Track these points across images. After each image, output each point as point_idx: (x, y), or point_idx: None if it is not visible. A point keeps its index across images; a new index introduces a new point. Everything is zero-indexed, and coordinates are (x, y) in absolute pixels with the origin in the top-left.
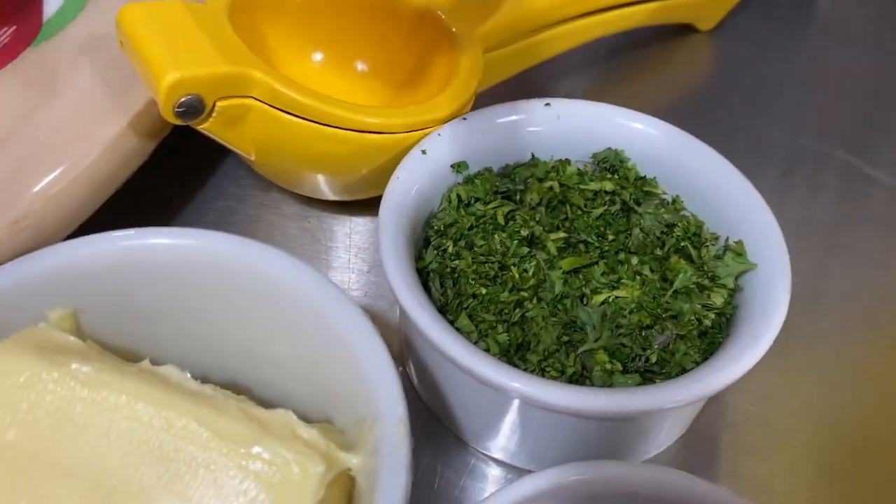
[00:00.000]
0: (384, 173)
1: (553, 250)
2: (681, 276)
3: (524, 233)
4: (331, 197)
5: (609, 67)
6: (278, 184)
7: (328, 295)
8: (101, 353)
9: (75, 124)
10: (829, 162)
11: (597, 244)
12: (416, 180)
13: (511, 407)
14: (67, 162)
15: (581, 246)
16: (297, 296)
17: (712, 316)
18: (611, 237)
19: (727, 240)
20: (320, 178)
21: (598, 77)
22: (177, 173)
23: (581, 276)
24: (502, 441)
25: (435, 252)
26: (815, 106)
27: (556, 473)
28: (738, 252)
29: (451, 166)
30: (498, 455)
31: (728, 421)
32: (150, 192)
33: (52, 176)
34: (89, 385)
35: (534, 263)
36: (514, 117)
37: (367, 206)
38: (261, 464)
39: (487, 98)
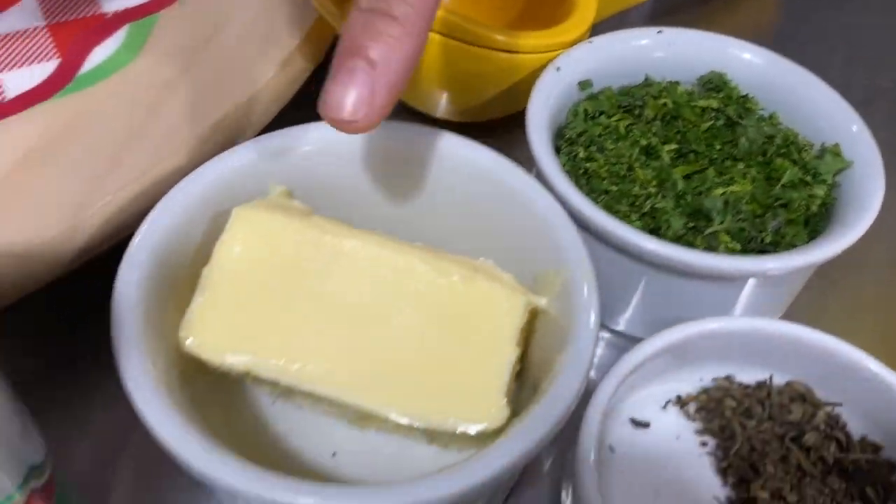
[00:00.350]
0: (509, 94)
1: (667, 159)
2: (788, 172)
3: (643, 142)
4: (458, 118)
5: (676, 20)
6: (412, 104)
7: (503, 165)
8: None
9: (251, 47)
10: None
11: (706, 153)
12: (551, 93)
13: (641, 277)
14: (251, 77)
15: (691, 155)
16: (477, 169)
17: (818, 201)
18: (718, 147)
19: (823, 144)
20: (456, 97)
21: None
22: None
23: (696, 179)
24: (628, 313)
25: (566, 157)
26: (881, 47)
27: (694, 325)
28: (836, 153)
29: (578, 83)
30: (621, 328)
31: (822, 305)
32: (284, 118)
33: (241, 87)
34: (331, 233)
35: (655, 166)
36: (631, 42)
37: (484, 130)
38: (477, 295)
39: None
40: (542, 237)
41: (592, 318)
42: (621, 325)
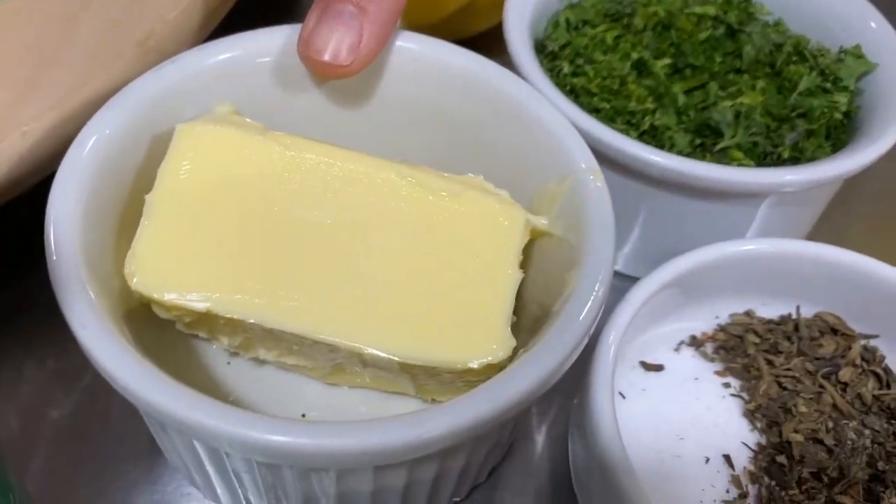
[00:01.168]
0: (474, 7)
1: (662, 75)
2: (804, 79)
3: (634, 56)
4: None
5: None
6: None
7: (488, 68)
8: None
9: None
10: None
11: (705, 66)
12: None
13: (642, 201)
14: None
15: (688, 70)
16: (458, 74)
17: (841, 109)
18: (718, 59)
19: (841, 48)
20: (414, 11)
21: None
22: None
23: (697, 94)
24: (627, 247)
25: (549, 73)
26: None
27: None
28: (857, 55)
29: None
30: (618, 266)
31: (849, 227)
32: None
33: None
34: (295, 148)
35: (648, 84)
36: None
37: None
38: (469, 213)
39: None
40: (540, 146)
41: (609, 220)
42: (619, 262)
